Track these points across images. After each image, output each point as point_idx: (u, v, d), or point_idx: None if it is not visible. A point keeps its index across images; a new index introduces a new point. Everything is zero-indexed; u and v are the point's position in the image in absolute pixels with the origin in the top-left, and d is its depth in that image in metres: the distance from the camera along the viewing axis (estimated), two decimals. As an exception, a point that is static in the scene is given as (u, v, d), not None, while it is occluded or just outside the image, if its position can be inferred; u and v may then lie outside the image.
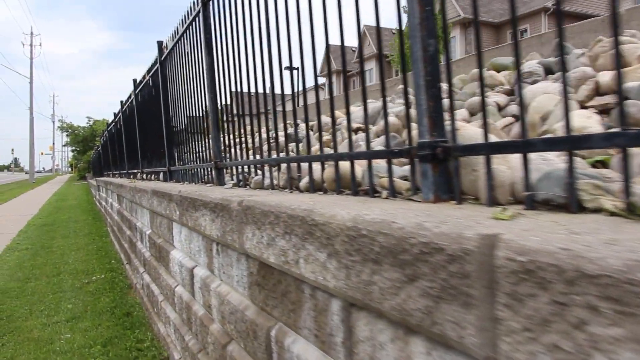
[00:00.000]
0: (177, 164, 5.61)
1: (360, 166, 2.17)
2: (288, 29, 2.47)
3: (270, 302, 2.05)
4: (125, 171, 10.46)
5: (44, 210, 17.19)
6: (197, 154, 4.58)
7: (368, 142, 1.95)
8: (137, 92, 7.87)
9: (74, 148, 52.43)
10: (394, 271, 1.17)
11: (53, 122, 79.37)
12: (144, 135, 7.77)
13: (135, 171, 8.80)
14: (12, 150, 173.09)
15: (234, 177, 3.54)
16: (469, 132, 1.64)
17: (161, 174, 6.38)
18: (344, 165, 2.16)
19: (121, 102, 10.18)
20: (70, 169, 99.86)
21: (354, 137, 3.45)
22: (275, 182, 2.83)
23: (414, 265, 1.10)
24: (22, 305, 5.78)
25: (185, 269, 3.48)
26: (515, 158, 1.44)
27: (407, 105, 1.78)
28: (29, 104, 44.67)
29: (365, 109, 2.02)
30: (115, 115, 11.73)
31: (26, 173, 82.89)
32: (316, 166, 2.37)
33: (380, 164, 2.06)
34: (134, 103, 8.15)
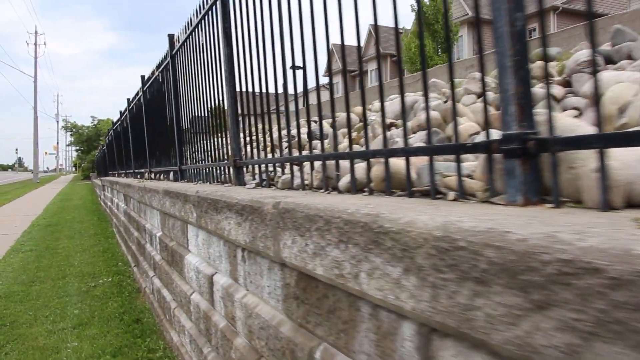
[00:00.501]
0: (188, 162, 5.36)
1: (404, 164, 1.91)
2: (326, 13, 2.21)
3: (312, 319, 1.79)
4: (132, 171, 10.22)
5: (48, 210, 16.97)
6: (212, 152, 4.33)
7: (430, 135, 1.69)
8: (145, 88, 7.62)
9: (78, 148, 52.28)
10: (511, 295, 0.91)
11: (57, 121, 79.35)
12: (152, 134, 7.52)
13: (142, 170, 8.55)
14: (16, 150, 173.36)
15: (256, 177, 3.27)
16: (565, 122, 1.38)
17: (171, 174, 6.13)
18: (395, 163, 1.91)
19: (128, 99, 9.94)
20: (74, 169, 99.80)
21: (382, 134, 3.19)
22: (306, 181, 2.57)
23: (547, 289, 0.84)
24: (26, 310, 5.53)
25: (203, 276, 3.22)
26: (623, 154, 1.19)
27: (484, 91, 1.51)
28: (33, 104, 44.53)
29: (426, 95, 1.75)
30: (122, 113, 11.49)
31: (31, 172, 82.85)
32: (356, 165, 2.12)
33: (431, 162, 1.80)
34: (141, 100, 7.90)
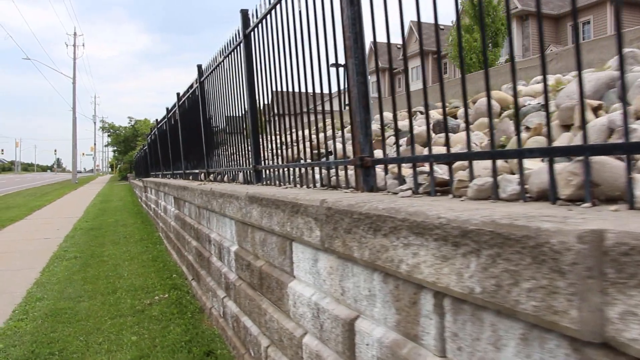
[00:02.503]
0: (268, 161, 4.46)
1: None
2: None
3: None
4: (181, 171, 9.42)
5: (89, 213, 16.41)
6: (309, 148, 3.43)
7: None
8: (202, 80, 6.78)
9: (115, 148, 52.42)
10: None
11: (94, 122, 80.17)
12: (209, 130, 6.66)
13: (196, 171, 7.71)
14: (55, 151, 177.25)
15: (408, 180, 2.32)
16: None
17: (240, 175, 5.24)
18: None
19: (178, 94, 9.15)
20: (110, 170, 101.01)
21: (592, 121, 2.21)
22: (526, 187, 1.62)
23: None
24: (76, 334, 4.72)
25: (331, 318, 2.29)
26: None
27: None
28: (71, 105, 44.66)
29: None
30: (169, 110, 10.73)
31: (69, 173, 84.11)
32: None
33: None
34: (197, 92, 7.06)
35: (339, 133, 4.92)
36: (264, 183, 4.42)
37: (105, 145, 65.88)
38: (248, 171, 4.82)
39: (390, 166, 2.51)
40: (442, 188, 2.12)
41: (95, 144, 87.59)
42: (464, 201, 1.82)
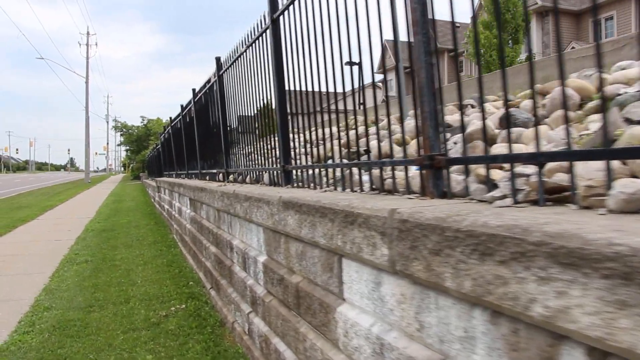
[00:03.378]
0: (296, 161, 3.98)
1: None
2: None
3: None
4: (196, 171, 8.97)
5: (101, 213, 16.05)
6: (343, 146, 2.95)
7: None
8: (220, 73, 6.32)
9: (127, 148, 52.28)
10: None
11: (107, 122, 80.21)
12: (229, 127, 6.21)
13: (214, 171, 7.26)
14: (68, 150, 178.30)
15: (501, 186, 1.82)
16: None
17: (264, 175, 4.77)
18: None
19: (194, 90, 8.71)
20: (122, 169, 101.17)
21: None
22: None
23: None
24: (85, 351, 4.28)
25: (402, 359, 1.80)
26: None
27: None
28: (84, 104, 44.52)
29: None
30: (183, 107, 10.29)
31: (82, 172, 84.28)
32: None
33: None
34: (216, 87, 6.60)
35: (374, 129, 4.45)
36: (295, 185, 3.94)
37: (118, 145, 65.83)
38: (275, 171, 4.35)
39: (467, 168, 2.01)
40: (553, 196, 1.63)
41: (107, 143, 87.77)
42: (605, 215, 1.32)
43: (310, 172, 3.62)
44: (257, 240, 3.84)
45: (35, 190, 31.28)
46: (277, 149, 4.19)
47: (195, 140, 8.94)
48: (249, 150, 5.39)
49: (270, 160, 4.52)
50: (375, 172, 2.76)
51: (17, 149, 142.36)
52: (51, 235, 11.16)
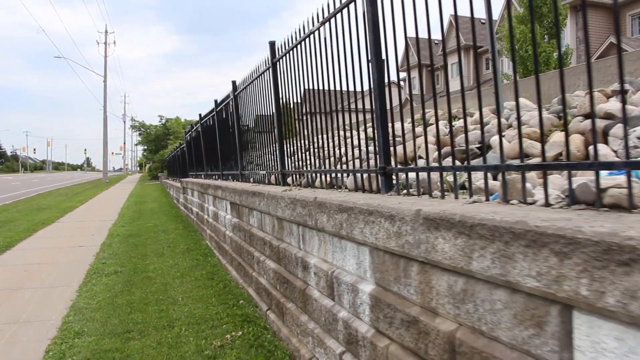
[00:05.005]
0: (406, 163, 3.09)
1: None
2: None
3: None
4: (236, 172, 8.11)
5: (124, 216, 15.27)
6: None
7: None
8: (275, 59, 5.44)
9: (145, 147, 51.75)
10: None
11: (124, 121, 79.95)
12: (281, 120, 5.32)
13: (263, 172, 6.38)
14: (85, 150, 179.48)
15: None
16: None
17: (347, 179, 3.88)
18: None
19: (233, 82, 7.84)
20: (139, 169, 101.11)
21: None
22: None
23: None
24: (131, 398, 3.41)
25: None
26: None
27: None
28: (101, 104, 44.00)
29: None
30: (218, 103, 9.44)
31: (98, 172, 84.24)
32: None
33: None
34: (269, 75, 5.72)
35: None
36: (399, 192, 3.05)
37: (136, 144, 65.48)
38: (367, 174, 3.45)
39: None
40: None
41: (124, 142, 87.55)
42: None
43: (421, 174, 2.72)
44: (359, 263, 2.95)
45: (54, 191, 30.72)
46: (376, 145, 3.28)
47: (234, 137, 8.08)
48: (316, 147, 4.51)
49: (351, 160, 3.63)
50: (555, 177, 1.86)
51: (34, 149, 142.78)
52: (74, 240, 10.38)
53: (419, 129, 4.48)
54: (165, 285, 6.46)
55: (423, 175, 2.95)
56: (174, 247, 9.38)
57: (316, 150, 4.56)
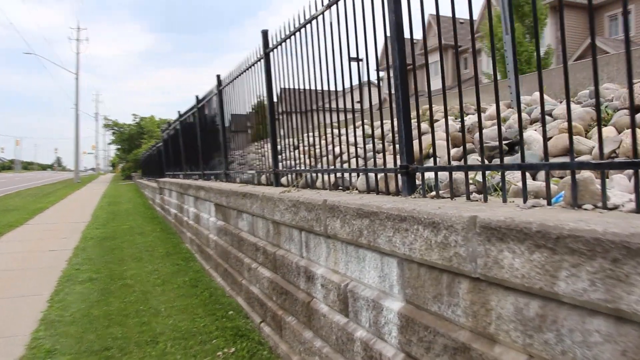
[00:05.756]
0: (435, 160, 2.71)
1: None
2: None
3: None
4: (219, 172, 7.65)
5: (98, 217, 14.62)
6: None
7: None
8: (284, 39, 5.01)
9: (118, 147, 50.58)
10: None
11: (96, 120, 78.27)
12: (274, 114, 4.90)
13: (252, 172, 5.94)
14: (56, 149, 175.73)
15: None
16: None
17: (358, 179, 3.48)
18: None
19: (218, 76, 7.39)
20: (112, 168, 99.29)
21: None
22: None
23: None
24: None
25: None
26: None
27: None
28: (73, 102, 42.79)
29: None
30: (200, 99, 8.96)
31: (69, 172, 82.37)
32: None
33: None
34: (263, 53, 5.29)
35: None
36: (424, 194, 2.66)
37: (109, 144, 63.98)
38: (384, 174, 3.05)
39: None
40: None
41: (97, 142, 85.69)
42: None
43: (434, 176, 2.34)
44: (382, 276, 2.55)
45: (23, 191, 29.65)
46: (400, 139, 2.88)
47: (217, 135, 7.62)
48: (317, 145, 4.11)
49: (354, 158, 3.24)
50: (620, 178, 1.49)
51: (2, 148, 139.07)
52: (45, 244, 9.76)
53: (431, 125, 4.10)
54: (146, 293, 5.97)
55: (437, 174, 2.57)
56: (153, 250, 8.86)
57: (317, 148, 4.15)
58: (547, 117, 3.66)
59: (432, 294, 2.15)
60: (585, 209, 1.80)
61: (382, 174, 3.08)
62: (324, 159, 4.16)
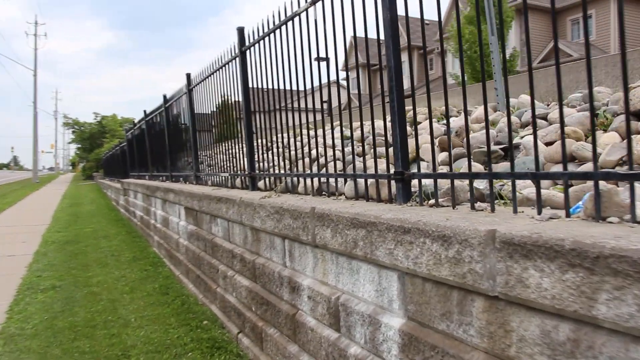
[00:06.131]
0: (434, 166, 2.56)
1: None
2: None
3: None
4: (189, 173, 7.38)
5: (59, 219, 14.08)
6: None
7: None
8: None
9: (79, 146, 49.20)
10: None
11: (55, 118, 76.09)
12: (250, 115, 4.70)
13: (225, 174, 5.71)
14: (12, 148, 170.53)
15: None
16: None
17: (345, 185, 3.31)
18: None
19: (188, 75, 7.12)
20: (72, 168, 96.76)
21: None
22: None
23: None
24: None
25: None
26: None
27: None
28: (31, 99, 41.44)
29: None
30: (168, 99, 8.65)
31: (27, 171, 79.87)
32: None
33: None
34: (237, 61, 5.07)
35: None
36: (422, 203, 2.52)
37: (69, 142, 62.24)
38: (375, 180, 2.90)
39: None
40: None
41: (56, 140, 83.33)
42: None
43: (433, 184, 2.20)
44: (380, 290, 2.39)
45: (-22, 192, 28.51)
46: (392, 145, 2.73)
47: (187, 136, 7.35)
48: (297, 147, 3.92)
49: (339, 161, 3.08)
50: None
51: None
52: (2, 249, 9.28)
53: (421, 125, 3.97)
54: (114, 302, 5.68)
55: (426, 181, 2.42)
56: (119, 255, 8.51)
57: (298, 150, 3.97)
58: (542, 121, 3.56)
59: (439, 311, 2.00)
60: (611, 222, 1.67)
61: (373, 180, 2.92)
62: (305, 161, 3.99)
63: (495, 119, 3.96)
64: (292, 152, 4.07)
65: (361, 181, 3.08)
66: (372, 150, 2.99)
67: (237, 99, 5.18)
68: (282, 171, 4.24)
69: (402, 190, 2.66)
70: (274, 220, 3.46)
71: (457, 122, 4.21)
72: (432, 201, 2.49)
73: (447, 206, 2.43)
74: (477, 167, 3.12)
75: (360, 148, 4.49)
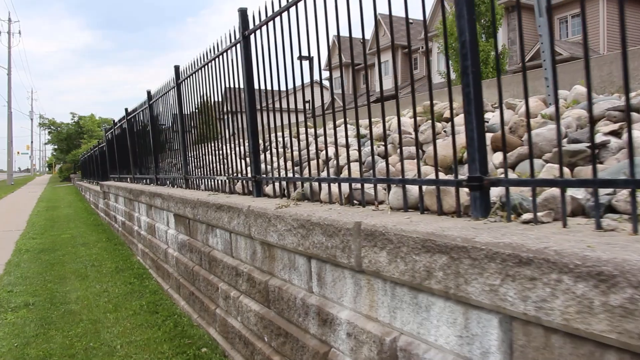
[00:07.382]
0: (505, 175, 1.93)
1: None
2: None
3: None
4: (178, 175, 6.68)
5: (34, 225, 13.22)
6: None
7: None
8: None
9: (55, 147, 47.86)
10: None
11: (31, 119, 74.23)
12: (254, 109, 4.06)
13: (222, 177, 5.05)
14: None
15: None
16: None
17: (385, 191, 2.69)
18: None
19: (176, 68, 6.45)
20: (48, 169, 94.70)
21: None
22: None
23: None
24: None
25: None
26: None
27: None
28: (6, 99, 40.09)
29: None
30: (152, 95, 7.95)
31: (2, 173, 77.91)
32: None
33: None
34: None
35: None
36: (508, 217, 1.91)
37: (45, 144, 60.67)
38: (436, 186, 2.28)
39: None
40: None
41: (32, 141, 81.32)
42: None
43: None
44: (467, 338, 1.77)
45: (-51, 195, 27.30)
46: (467, 144, 2.12)
47: (176, 135, 6.66)
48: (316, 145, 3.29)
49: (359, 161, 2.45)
50: None
51: None
52: (-29, 259, 8.49)
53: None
54: (96, 323, 4.98)
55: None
56: (100, 266, 7.77)
57: (322, 152, 3.34)
58: (636, 114, 2.97)
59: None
60: None
61: (433, 187, 2.30)
62: (331, 163, 3.36)
63: (548, 113, 3.37)
64: (319, 153, 3.44)
65: (411, 188, 2.46)
66: (433, 151, 2.35)
67: (234, 93, 4.53)
68: (298, 175, 3.59)
69: (480, 201, 2.04)
70: (297, 236, 2.82)
71: (507, 116, 3.62)
72: (526, 216, 1.88)
73: (547, 222, 1.82)
74: (554, 170, 2.51)
75: (397, 148, 3.86)
